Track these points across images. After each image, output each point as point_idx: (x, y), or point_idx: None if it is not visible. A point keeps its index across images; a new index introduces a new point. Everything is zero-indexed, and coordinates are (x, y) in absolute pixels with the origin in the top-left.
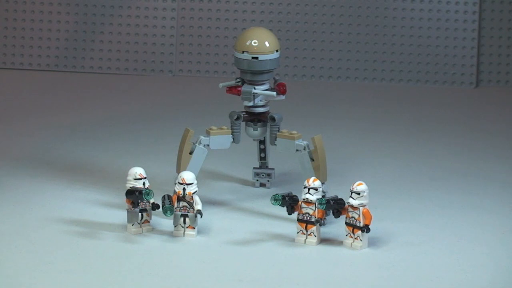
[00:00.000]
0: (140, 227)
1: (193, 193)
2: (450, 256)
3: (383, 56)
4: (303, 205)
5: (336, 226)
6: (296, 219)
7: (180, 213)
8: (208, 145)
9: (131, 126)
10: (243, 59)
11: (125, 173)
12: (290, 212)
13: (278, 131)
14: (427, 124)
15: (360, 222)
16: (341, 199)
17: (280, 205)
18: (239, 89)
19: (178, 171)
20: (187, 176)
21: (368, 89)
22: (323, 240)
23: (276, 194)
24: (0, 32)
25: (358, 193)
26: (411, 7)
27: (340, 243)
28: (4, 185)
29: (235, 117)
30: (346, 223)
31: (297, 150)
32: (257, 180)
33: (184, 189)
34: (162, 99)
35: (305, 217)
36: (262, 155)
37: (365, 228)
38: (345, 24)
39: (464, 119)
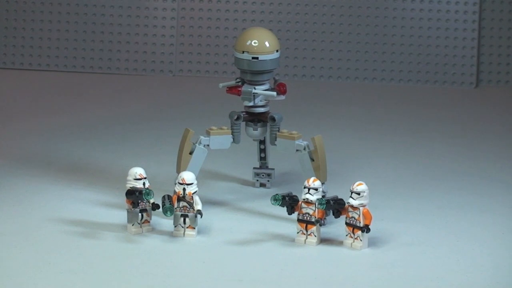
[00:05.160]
0: (140, 227)
1: (193, 193)
2: (450, 256)
3: (383, 56)
4: (303, 205)
5: (336, 226)
6: (296, 219)
7: (180, 213)
8: (208, 145)
9: (131, 126)
10: (243, 59)
11: (125, 173)
12: (290, 212)
13: (278, 131)
14: (427, 124)
15: (360, 222)
16: (341, 199)
17: (280, 205)
18: (239, 89)
19: (178, 171)
20: (187, 176)
21: (368, 89)
22: (323, 240)
23: (276, 194)
24: (0, 32)
25: (358, 193)
26: (411, 7)
27: (340, 243)
28: (4, 185)
29: (235, 117)
30: (346, 223)
31: (297, 150)
32: (257, 180)
33: (184, 189)
34: (162, 99)
35: (305, 217)
36: (262, 155)
37: (365, 228)
38: (345, 24)
39: (464, 119)
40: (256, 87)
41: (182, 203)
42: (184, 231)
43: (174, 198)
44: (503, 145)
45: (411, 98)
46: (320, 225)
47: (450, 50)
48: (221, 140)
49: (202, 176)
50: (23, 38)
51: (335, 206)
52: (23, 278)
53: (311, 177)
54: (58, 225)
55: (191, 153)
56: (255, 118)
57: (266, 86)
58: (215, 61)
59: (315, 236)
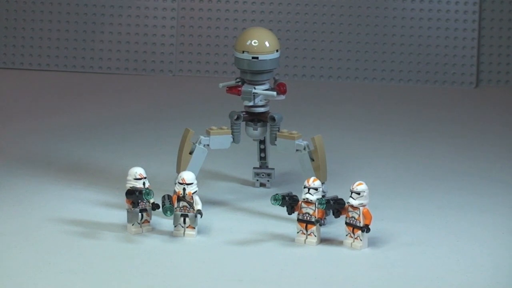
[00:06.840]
0: (140, 227)
1: (193, 193)
2: (450, 256)
3: (383, 56)
4: (303, 205)
5: (336, 226)
6: (296, 219)
7: (180, 213)
8: (208, 145)
9: (131, 126)
10: (243, 59)
11: (125, 173)
12: (290, 212)
13: (278, 131)
14: (427, 124)
15: (360, 222)
16: (341, 199)
17: (280, 205)
18: (239, 89)
19: (178, 171)
20: (187, 176)
21: (368, 89)
22: (323, 240)
23: (276, 194)
24: (0, 32)
25: (358, 193)
26: (411, 7)
27: (340, 243)
28: (4, 185)
29: (235, 117)
30: (346, 223)
31: (297, 150)
32: (257, 180)
33: (184, 189)
34: (162, 99)
35: (305, 217)
36: (262, 155)
37: (365, 228)
38: (345, 24)
39: (464, 119)
40: (256, 87)
41: (182, 203)
42: (184, 231)
43: (174, 198)
44: (503, 145)
45: (411, 98)
46: (320, 225)
47: (450, 50)
48: (221, 140)
49: (202, 176)
50: (23, 38)
51: (335, 206)
52: (23, 278)
53: (311, 177)
54: (58, 225)
55: (191, 153)
56: (255, 118)
57: (266, 86)
58: (215, 61)
59: (315, 236)
